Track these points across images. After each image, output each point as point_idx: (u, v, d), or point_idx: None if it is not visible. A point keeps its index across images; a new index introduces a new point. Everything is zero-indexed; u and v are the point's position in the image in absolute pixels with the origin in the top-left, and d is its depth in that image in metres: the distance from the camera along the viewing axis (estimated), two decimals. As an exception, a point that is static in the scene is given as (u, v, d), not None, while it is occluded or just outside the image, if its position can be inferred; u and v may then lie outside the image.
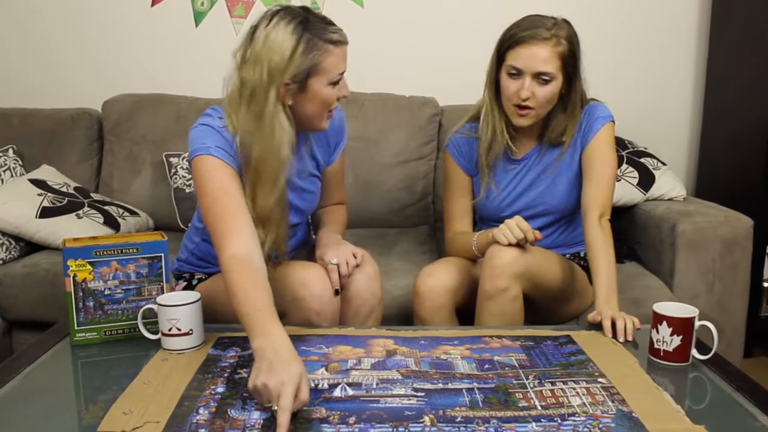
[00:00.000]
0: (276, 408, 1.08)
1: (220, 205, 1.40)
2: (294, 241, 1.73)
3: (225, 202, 1.41)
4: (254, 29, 1.44)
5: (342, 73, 1.46)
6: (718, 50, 2.70)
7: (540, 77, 1.66)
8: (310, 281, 1.53)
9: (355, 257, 1.60)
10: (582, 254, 1.88)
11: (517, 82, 1.68)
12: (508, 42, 1.69)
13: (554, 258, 1.74)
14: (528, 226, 1.61)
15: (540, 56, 1.65)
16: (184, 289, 1.69)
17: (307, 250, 1.78)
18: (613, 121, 1.76)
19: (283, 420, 1.06)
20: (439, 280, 1.72)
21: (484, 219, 1.91)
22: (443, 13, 2.80)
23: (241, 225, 1.39)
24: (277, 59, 1.39)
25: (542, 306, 1.74)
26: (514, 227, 1.60)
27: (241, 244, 1.36)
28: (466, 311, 1.75)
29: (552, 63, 1.65)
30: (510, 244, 1.60)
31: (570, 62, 1.68)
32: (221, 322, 1.53)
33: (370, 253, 1.66)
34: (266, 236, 1.48)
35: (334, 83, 1.46)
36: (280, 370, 1.11)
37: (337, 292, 1.55)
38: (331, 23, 1.44)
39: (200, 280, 1.71)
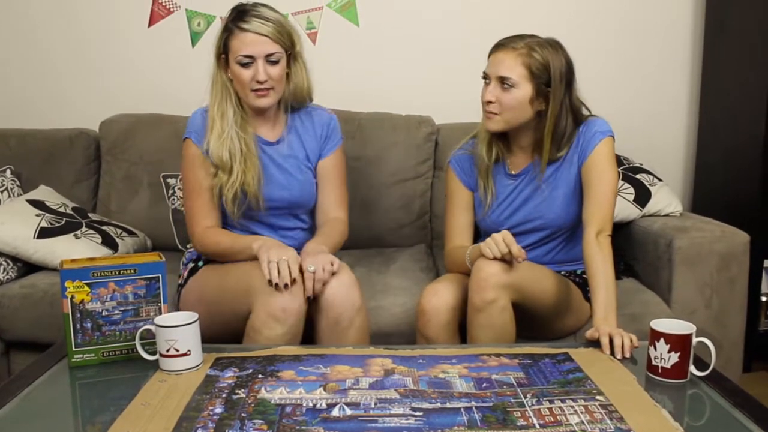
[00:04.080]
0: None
1: (194, 194, 1.79)
2: (295, 244, 1.82)
3: (198, 193, 1.79)
4: None
5: (248, 57, 1.70)
6: (713, 65, 2.72)
7: (503, 82, 1.71)
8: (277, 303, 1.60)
9: (332, 265, 1.65)
10: (578, 272, 1.88)
11: (486, 87, 1.75)
12: (489, 53, 1.77)
13: (543, 271, 1.75)
14: (512, 240, 1.61)
15: (504, 62, 1.71)
16: (191, 272, 1.82)
17: None
18: (613, 136, 1.77)
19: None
20: (442, 299, 1.73)
21: (484, 233, 1.92)
22: (439, 31, 2.81)
23: (210, 213, 1.79)
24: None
25: (536, 320, 1.74)
26: (500, 241, 1.61)
27: (209, 222, 1.79)
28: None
29: (515, 70, 1.70)
30: (496, 258, 1.62)
31: (541, 76, 1.71)
32: (221, 308, 1.60)
33: (367, 271, 1.67)
34: (228, 179, 1.75)
35: (242, 64, 1.71)
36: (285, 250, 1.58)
37: (309, 300, 1.63)
38: (259, 17, 1.70)
39: (207, 262, 1.85)
